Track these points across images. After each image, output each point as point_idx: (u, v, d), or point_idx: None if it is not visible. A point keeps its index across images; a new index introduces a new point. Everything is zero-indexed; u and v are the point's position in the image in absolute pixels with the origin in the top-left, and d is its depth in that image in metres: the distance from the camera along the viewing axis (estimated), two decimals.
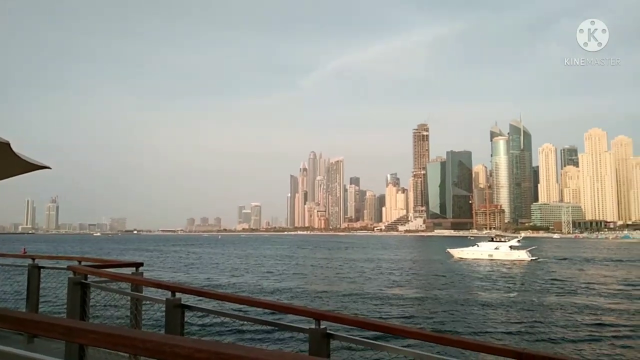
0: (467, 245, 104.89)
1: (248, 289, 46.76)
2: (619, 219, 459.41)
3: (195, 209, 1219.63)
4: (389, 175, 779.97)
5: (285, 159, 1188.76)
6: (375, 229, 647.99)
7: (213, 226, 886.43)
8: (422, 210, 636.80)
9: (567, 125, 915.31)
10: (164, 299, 6.08)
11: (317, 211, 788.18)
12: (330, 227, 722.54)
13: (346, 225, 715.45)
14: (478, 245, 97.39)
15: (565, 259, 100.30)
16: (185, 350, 1.67)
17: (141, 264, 7.91)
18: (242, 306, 6.76)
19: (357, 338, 4.77)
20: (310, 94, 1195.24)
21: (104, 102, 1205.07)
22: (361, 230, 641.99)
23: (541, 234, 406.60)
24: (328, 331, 4.47)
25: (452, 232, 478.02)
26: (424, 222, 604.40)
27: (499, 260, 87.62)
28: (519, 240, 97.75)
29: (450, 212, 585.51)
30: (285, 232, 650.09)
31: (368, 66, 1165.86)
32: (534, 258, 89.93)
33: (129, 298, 7.02)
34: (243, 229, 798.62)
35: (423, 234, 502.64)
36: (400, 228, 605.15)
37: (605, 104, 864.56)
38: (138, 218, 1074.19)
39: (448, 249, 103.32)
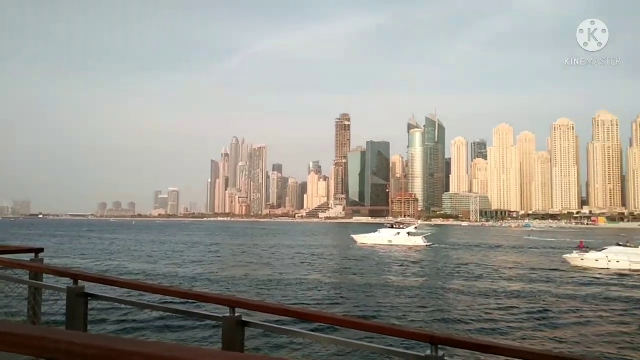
0: None
1: (162, 277, 44.96)
2: (521, 209, 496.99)
3: (108, 193, 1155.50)
4: (311, 163, 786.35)
5: (206, 143, 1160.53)
6: (296, 215, 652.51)
7: (127, 211, 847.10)
8: (342, 198, 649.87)
9: (479, 120, 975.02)
10: (66, 287, 5.47)
11: (239, 197, 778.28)
12: (252, 214, 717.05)
13: (268, 212, 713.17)
14: (379, 232, 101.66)
15: (457, 244, 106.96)
16: (76, 347, 1.51)
17: (41, 250, 7.13)
18: (153, 295, 6.16)
19: (272, 325, 4.66)
20: (234, 77, 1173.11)
21: (6, 77, 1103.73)
22: (282, 217, 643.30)
23: (451, 222, 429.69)
24: (243, 319, 4.30)
25: (369, 220, 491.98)
26: (344, 209, 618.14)
27: (397, 245, 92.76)
28: (416, 227, 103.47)
29: (368, 200, 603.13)
30: (205, 219, 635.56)
31: (293, 53, 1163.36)
32: (429, 244, 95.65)
33: (27, 287, 6.27)
34: (159, 214, 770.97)
35: (342, 221, 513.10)
36: (321, 215, 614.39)
37: (512, 102, 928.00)
38: (44, 202, 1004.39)
39: (352, 235, 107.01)
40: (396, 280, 45.71)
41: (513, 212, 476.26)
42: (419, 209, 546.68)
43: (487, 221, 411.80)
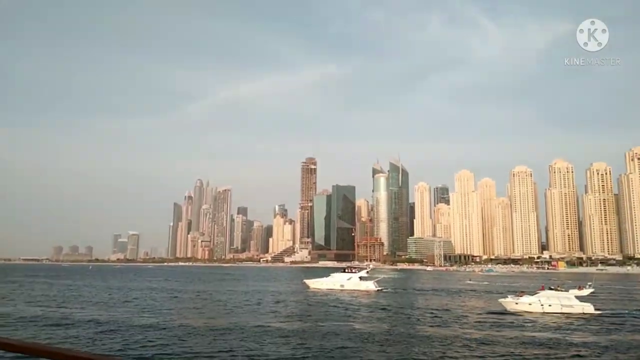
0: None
1: (116, 325, 44.74)
2: (484, 253, 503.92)
3: (64, 236, 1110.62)
4: (277, 207, 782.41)
5: (169, 187, 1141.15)
6: (261, 260, 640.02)
7: (84, 255, 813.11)
8: (307, 242, 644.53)
9: (440, 167, 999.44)
10: None
11: (202, 241, 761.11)
12: (215, 258, 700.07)
13: (232, 256, 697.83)
14: (332, 276, 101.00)
15: (405, 289, 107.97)
16: None
17: None
18: None
19: None
20: (199, 122, 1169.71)
21: None
22: (247, 261, 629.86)
23: (416, 266, 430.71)
24: None
25: (335, 264, 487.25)
26: (309, 253, 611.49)
27: (349, 290, 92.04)
28: (367, 272, 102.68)
29: (334, 244, 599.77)
30: (165, 263, 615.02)
31: (258, 99, 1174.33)
32: (379, 288, 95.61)
33: None
34: (118, 259, 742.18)
35: (308, 265, 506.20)
36: (287, 259, 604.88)
37: (473, 150, 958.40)
38: None
39: (304, 280, 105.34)
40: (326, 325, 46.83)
41: (476, 256, 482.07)
42: (385, 253, 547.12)
43: (451, 265, 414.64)
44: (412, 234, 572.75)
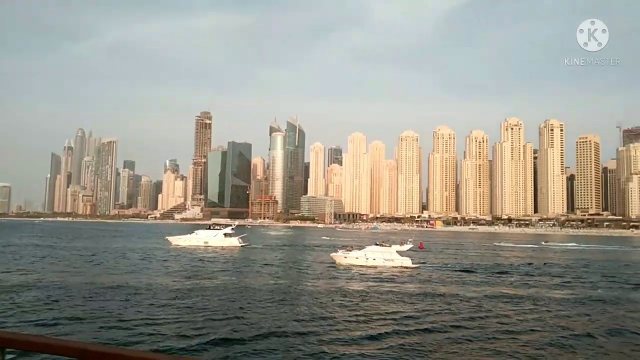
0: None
1: None
2: (370, 212, 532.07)
3: None
4: (167, 161, 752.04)
5: (46, 135, 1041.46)
6: (149, 216, 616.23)
7: None
8: (200, 199, 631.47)
9: (336, 127, 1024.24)
10: None
11: (83, 195, 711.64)
12: (98, 214, 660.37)
13: (117, 212, 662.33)
14: (196, 233, 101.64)
15: (269, 245, 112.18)
16: None
17: None
18: None
19: None
20: (82, 64, 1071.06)
21: None
22: (134, 217, 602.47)
23: (308, 223, 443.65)
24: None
25: (228, 221, 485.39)
26: (202, 210, 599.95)
27: (213, 247, 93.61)
28: (232, 229, 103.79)
29: (228, 201, 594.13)
30: (42, 218, 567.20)
31: (151, 44, 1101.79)
32: (244, 244, 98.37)
33: None
34: None
35: (200, 222, 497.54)
36: (177, 216, 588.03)
37: (368, 111, 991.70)
38: None
39: (167, 237, 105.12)
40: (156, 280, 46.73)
41: (363, 215, 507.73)
42: (279, 211, 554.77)
43: (340, 223, 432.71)
44: (306, 192, 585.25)
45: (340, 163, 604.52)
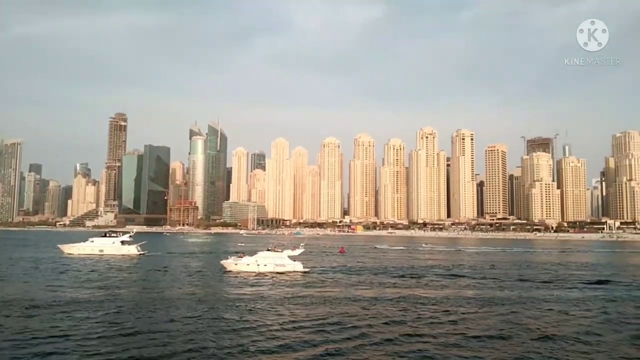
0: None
1: None
2: (294, 218, 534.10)
3: None
4: (78, 165, 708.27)
5: None
6: (57, 224, 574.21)
7: None
8: (114, 205, 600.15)
9: (259, 132, 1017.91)
10: None
11: None
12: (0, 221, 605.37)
13: (21, 219, 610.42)
14: (91, 241, 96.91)
15: (171, 252, 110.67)
16: None
17: None
18: None
19: None
20: None
21: None
22: (40, 224, 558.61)
23: (230, 230, 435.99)
24: None
25: (144, 228, 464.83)
26: (116, 217, 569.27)
27: (109, 255, 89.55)
28: (130, 236, 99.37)
29: (144, 207, 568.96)
30: None
31: (62, 40, 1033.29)
32: (142, 252, 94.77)
33: None
34: None
35: (113, 229, 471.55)
36: (88, 223, 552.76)
37: (291, 117, 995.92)
38: None
39: (58, 245, 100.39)
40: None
41: (287, 220, 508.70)
42: (199, 217, 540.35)
43: (263, 229, 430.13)
44: (228, 198, 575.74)
45: (264, 168, 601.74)
